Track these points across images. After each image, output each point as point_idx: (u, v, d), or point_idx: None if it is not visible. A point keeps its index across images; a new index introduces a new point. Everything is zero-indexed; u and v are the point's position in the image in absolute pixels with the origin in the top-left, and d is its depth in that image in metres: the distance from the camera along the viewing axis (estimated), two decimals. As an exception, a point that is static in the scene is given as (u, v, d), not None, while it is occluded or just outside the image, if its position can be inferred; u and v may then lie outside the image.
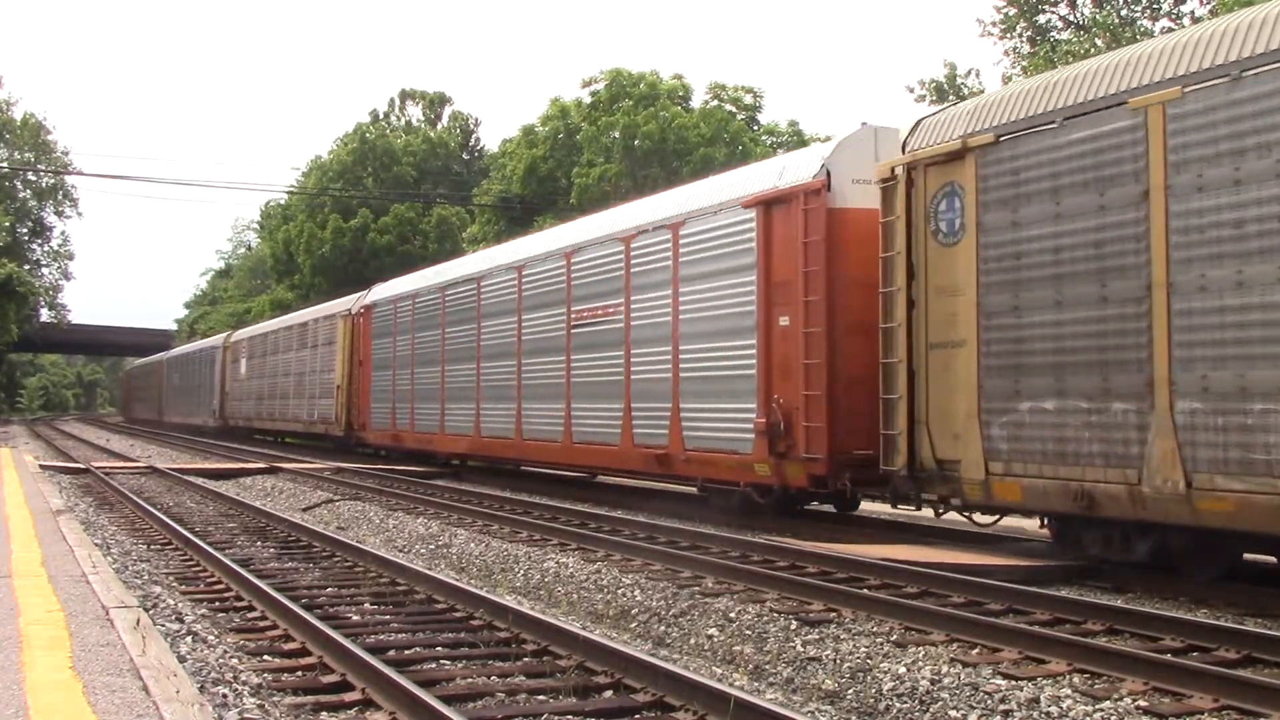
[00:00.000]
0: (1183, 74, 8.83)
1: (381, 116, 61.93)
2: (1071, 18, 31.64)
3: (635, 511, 15.49)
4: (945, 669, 6.56)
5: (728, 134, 39.93)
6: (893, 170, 11.50)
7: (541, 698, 6.22)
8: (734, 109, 42.43)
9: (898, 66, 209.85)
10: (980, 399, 10.27)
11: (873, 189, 11.94)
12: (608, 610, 8.94)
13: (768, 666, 7.20)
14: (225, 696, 5.87)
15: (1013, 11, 31.53)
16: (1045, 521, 11.05)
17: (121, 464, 25.05)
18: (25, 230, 69.50)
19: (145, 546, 12.10)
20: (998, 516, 11.19)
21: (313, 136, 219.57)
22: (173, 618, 7.79)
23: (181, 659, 6.35)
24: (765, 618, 7.96)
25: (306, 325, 33.63)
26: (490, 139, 70.48)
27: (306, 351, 33.03)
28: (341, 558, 11.29)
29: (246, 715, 5.58)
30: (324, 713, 5.94)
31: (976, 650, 7.09)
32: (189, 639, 7.18)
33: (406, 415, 24.34)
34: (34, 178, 69.42)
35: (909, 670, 6.58)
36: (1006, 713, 5.88)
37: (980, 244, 10.35)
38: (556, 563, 10.63)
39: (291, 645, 7.34)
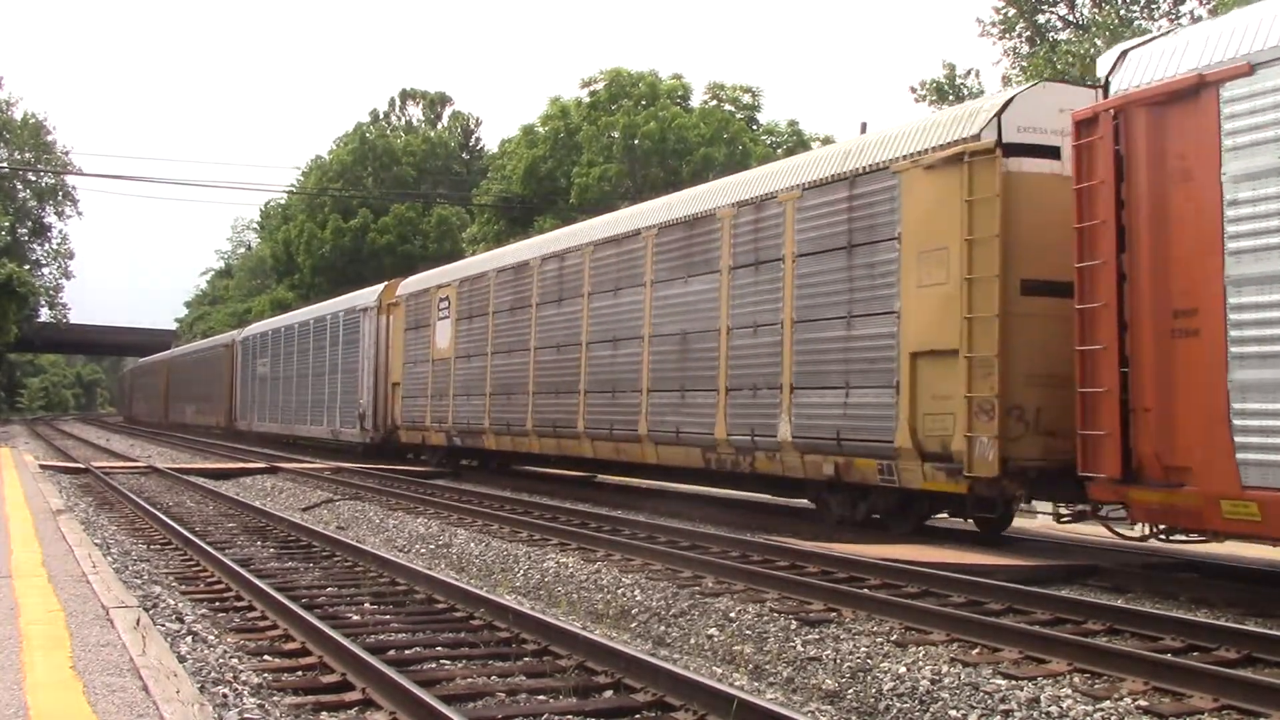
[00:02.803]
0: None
1: (381, 116, 62.00)
2: (1070, 18, 31.66)
3: (635, 511, 15.49)
4: (945, 669, 6.56)
5: (727, 134, 39.95)
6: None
7: (542, 698, 6.22)
8: (732, 108, 42.45)
9: (898, 67, 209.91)
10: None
11: None
12: (608, 610, 8.94)
13: (768, 666, 7.20)
14: (225, 696, 5.87)
15: (1012, 12, 31.57)
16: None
17: (121, 464, 25.04)
18: (25, 230, 69.53)
19: (145, 546, 12.09)
20: None
21: (313, 136, 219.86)
22: (173, 618, 7.79)
23: (181, 659, 6.35)
24: (765, 617, 7.96)
25: (718, 221, 14.20)
26: (490, 139, 70.49)
27: (743, 280, 13.73)
28: (341, 557, 11.29)
29: (247, 715, 5.58)
30: (324, 713, 5.94)
31: (977, 650, 7.09)
32: (189, 639, 7.17)
33: None
34: (34, 178, 69.44)
35: (909, 670, 6.58)
36: (1007, 713, 5.88)
37: None
38: (556, 562, 10.63)
39: (291, 645, 7.34)
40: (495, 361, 20.36)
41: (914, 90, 33.06)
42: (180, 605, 8.39)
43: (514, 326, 19.85)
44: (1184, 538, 9.34)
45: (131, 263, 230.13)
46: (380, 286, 27.53)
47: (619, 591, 9.26)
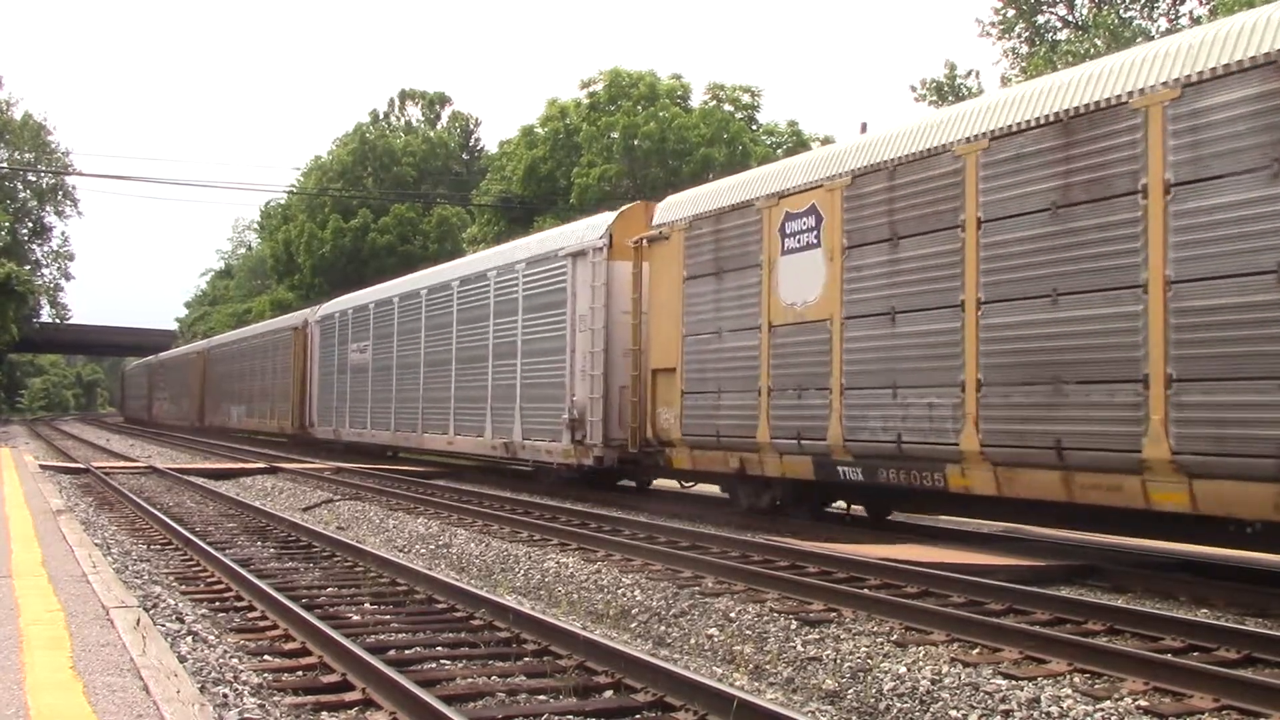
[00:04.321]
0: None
1: (381, 117, 61.99)
2: (1070, 18, 31.67)
3: (635, 511, 15.48)
4: (946, 669, 6.56)
5: (728, 134, 39.96)
6: None
7: (542, 698, 6.22)
8: (732, 108, 42.48)
9: (898, 66, 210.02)
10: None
11: None
12: (608, 610, 8.94)
13: (768, 666, 7.20)
14: (225, 696, 5.86)
15: (1011, 12, 31.57)
16: None
17: (121, 464, 25.04)
18: (25, 231, 69.58)
19: (145, 546, 12.10)
20: None
21: (313, 136, 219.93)
22: (173, 618, 7.79)
23: (182, 659, 6.35)
24: (765, 618, 7.96)
25: None
26: (490, 139, 70.56)
27: None
28: (341, 558, 11.29)
29: (247, 715, 5.58)
30: (324, 713, 5.94)
31: (977, 650, 7.09)
32: (189, 639, 7.17)
33: None
34: (34, 178, 69.48)
35: (909, 670, 6.58)
36: (1007, 713, 5.88)
37: None
38: (556, 563, 10.63)
39: (292, 645, 7.34)
40: (997, 318, 10.35)
41: (914, 90, 33.06)
42: (180, 605, 8.39)
43: (1063, 244, 9.84)
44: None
45: (131, 263, 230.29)
46: (609, 216, 17.55)
47: (619, 591, 9.26)
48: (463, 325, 21.41)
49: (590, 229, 17.52)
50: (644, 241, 16.01)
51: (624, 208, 17.81)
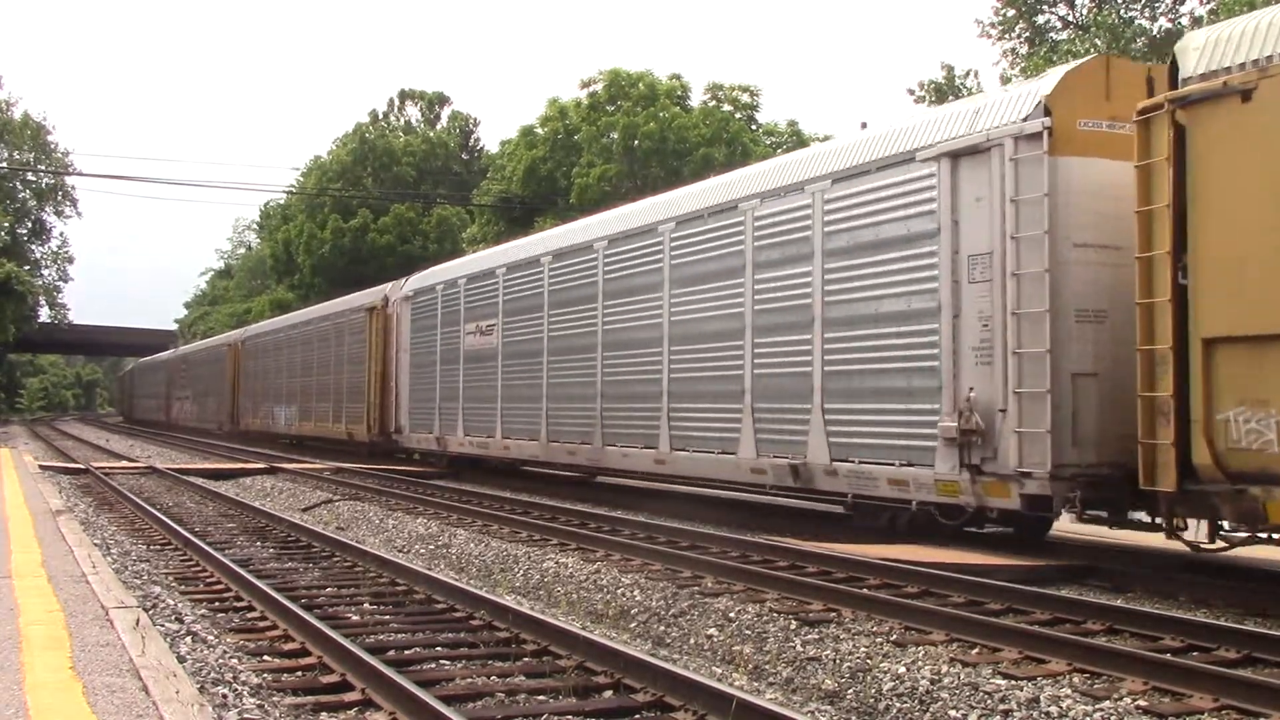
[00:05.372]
0: None
1: (381, 117, 62.01)
2: (1070, 18, 31.67)
3: (635, 511, 15.48)
4: (945, 669, 6.56)
5: (728, 134, 39.98)
6: None
7: (541, 698, 6.22)
8: (731, 108, 42.51)
9: (897, 67, 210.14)
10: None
11: None
12: (607, 610, 8.94)
13: (767, 666, 7.20)
14: (225, 697, 5.86)
15: (1011, 13, 31.58)
16: None
17: (121, 464, 25.03)
18: (25, 231, 69.56)
19: (145, 547, 12.10)
20: None
21: (313, 136, 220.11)
22: (172, 618, 7.79)
23: (181, 659, 6.35)
24: (765, 618, 7.96)
25: None
26: (489, 139, 70.56)
27: None
28: (341, 558, 11.29)
29: (246, 715, 5.58)
30: (324, 713, 5.94)
31: (976, 650, 7.09)
32: (189, 639, 7.17)
33: None
34: (34, 178, 69.45)
35: (909, 670, 6.58)
36: (1006, 712, 5.88)
37: None
38: (556, 563, 10.63)
39: (291, 645, 7.34)
40: None
41: (912, 91, 33.05)
42: (180, 605, 8.39)
43: None
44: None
45: (131, 263, 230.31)
46: (1035, 84, 10.54)
47: (619, 591, 9.26)
48: (684, 287, 14.61)
49: (996, 106, 10.62)
50: (1170, 111, 8.82)
51: (1069, 66, 10.73)
